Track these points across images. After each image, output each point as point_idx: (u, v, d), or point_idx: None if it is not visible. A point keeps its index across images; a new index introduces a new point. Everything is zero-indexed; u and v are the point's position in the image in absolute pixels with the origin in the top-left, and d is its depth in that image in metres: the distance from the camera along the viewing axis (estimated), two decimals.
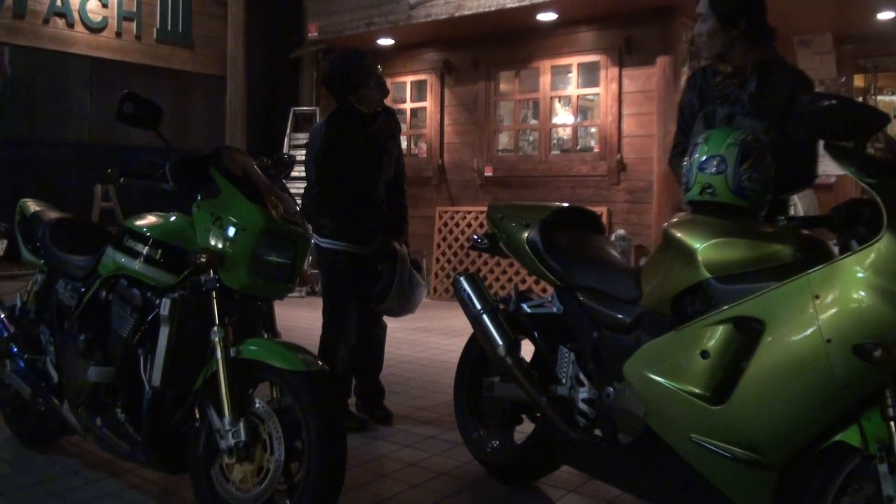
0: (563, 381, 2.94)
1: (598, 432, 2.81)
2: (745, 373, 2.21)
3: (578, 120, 9.10)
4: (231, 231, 2.73)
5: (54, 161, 9.13)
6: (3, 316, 3.69)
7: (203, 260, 2.70)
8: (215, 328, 2.69)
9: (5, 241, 3.83)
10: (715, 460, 2.28)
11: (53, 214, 3.72)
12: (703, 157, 2.64)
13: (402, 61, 9.87)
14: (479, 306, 3.19)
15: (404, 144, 10.50)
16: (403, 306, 4.08)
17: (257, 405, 2.70)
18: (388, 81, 9.88)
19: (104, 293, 3.12)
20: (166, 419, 2.88)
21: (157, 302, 2.84)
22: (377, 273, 4.05)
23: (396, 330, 6.73)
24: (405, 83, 10.01)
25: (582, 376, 2.89)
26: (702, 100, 3.18)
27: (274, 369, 2.64)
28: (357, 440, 3.90)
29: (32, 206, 3.81)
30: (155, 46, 8.89)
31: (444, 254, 9.47)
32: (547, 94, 8.97)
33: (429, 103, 9.79)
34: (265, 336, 2.86)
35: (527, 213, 3.21)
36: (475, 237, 3.50)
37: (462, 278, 3.31)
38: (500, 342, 3.07)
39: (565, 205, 3.27)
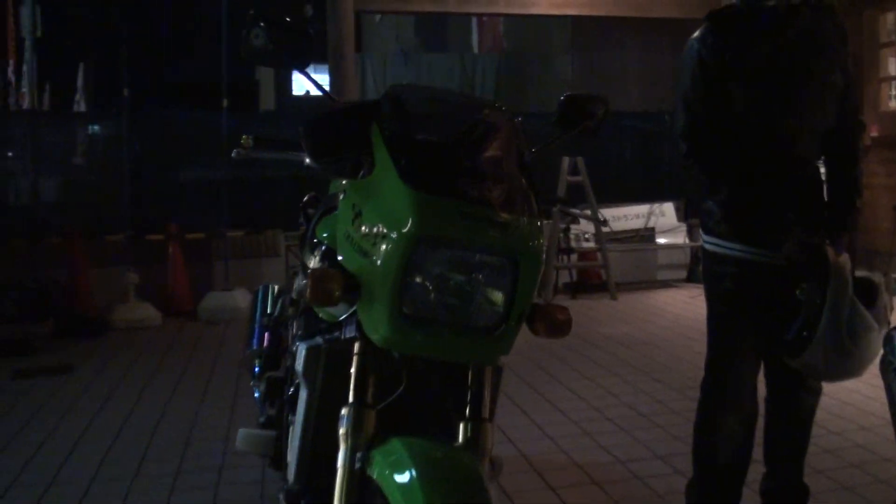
0: None
1: None
2: None
3: None
4: (372, 236, 1.49)
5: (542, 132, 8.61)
6: (262, 323, 2.96)
7: (313, 292, 1.50)
8: (344, 410, 1.53)
9: None
10: None
11: None
12: None
13: None
14: None
15: None
16: (838, 364, 2.27)
17: None
18: None
19: None
20: None
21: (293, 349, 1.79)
22: (794, 300, 2.33)
23: None
24: None
25: None
26: None
27: None
28: None
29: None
30: None
31: None
32: None
33: None
34: (471, 426, 1.55)
35: None
36: None
37: None
38: None
39: None
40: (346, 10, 6.67)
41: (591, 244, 7.21)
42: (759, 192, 2.38)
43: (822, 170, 2.60)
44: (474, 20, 12.13)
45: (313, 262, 1.92)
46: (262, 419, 2.33)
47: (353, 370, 1.56)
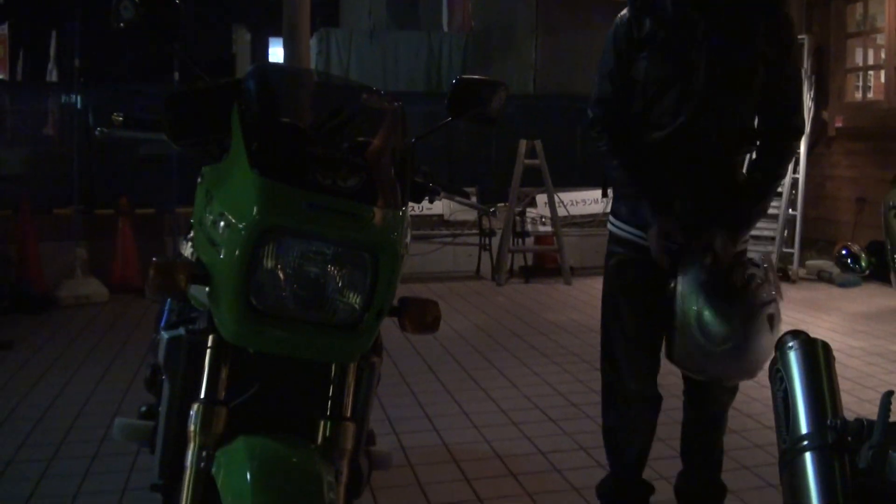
0: None
1: None
2: None
3: None
4: (220, 226, 1.42)
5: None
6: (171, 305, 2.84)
7: (153, 282, 1.45)
8: (194, 407, 1.46)
9: None
10: None
11: None
12: None
13: None
14: (804, 429, 1.35)
15: None
16: (706, 365, 2.22)
17: None
18: None
19: None
20: None
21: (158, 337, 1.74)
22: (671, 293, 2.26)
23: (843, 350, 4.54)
24: None
25: None
26: None
27: None
28: None
29: None
30: None
31: None
32: None
33: None
34: (329, 426, 1.49)
35: None
36: (843, 251, 1.60)
37: (792, 351, 1.45)
38: None
39: None
40: None
41: (548, 228, 7.15)
42: (660, 175, 2.33)
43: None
44: None
45: (185, 248, 1.86)
46: (143, 408, 2.26)
47: (206, 363, 1.50)
